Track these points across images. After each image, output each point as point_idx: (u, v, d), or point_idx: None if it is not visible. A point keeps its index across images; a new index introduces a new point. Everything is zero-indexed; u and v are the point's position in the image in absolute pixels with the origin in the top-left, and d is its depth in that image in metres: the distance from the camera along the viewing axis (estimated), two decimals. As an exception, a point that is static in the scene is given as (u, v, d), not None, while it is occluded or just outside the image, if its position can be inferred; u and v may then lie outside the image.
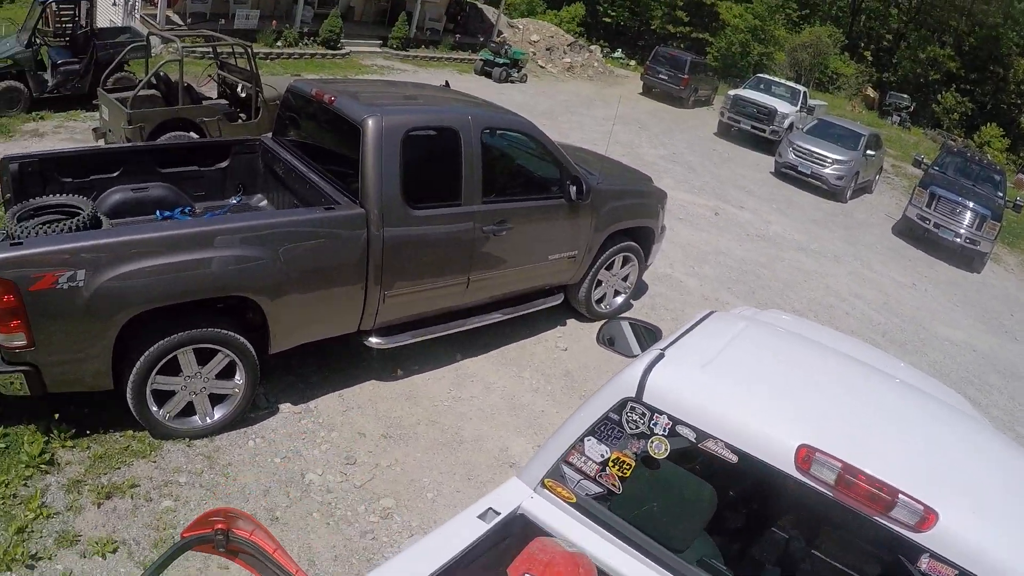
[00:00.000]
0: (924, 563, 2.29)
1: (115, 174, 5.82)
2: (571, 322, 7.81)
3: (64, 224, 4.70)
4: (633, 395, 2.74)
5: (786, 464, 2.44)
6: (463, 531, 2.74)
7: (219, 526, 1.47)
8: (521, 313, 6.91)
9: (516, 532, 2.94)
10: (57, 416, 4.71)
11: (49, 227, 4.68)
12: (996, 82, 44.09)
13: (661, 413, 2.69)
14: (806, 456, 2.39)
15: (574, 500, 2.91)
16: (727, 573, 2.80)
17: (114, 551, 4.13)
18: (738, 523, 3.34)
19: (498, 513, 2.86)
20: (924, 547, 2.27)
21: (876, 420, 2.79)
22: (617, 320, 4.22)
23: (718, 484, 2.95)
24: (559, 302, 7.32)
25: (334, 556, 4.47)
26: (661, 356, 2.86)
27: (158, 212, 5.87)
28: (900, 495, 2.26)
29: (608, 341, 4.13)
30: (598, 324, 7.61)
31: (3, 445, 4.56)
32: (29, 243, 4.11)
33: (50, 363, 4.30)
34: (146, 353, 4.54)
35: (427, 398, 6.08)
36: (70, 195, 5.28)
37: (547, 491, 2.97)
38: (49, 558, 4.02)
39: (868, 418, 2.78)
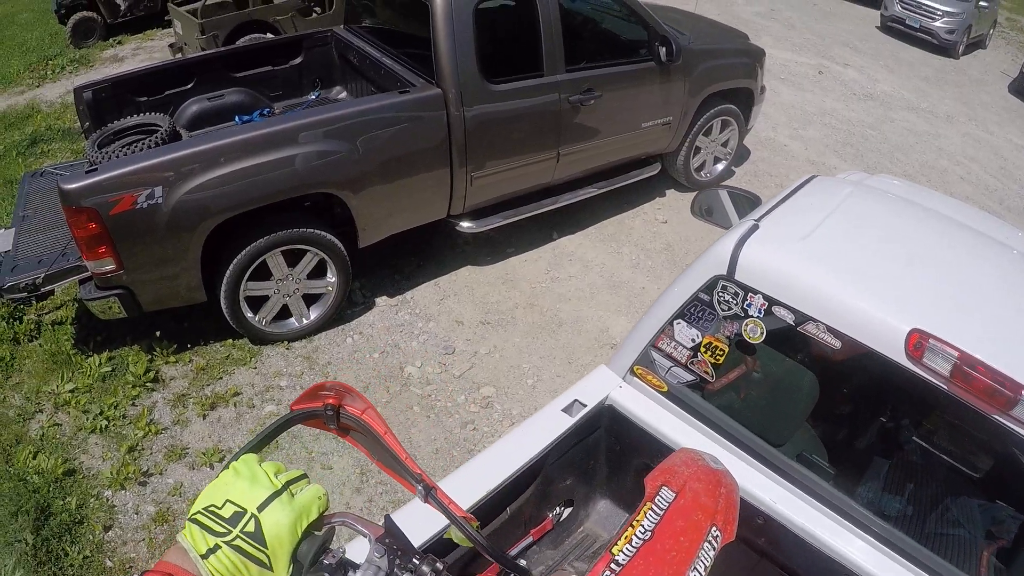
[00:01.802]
0: None
1: (189, 86, 5.71)
2: (670, 193, 7.45)
3: (143, 143, 4.61)
4: (724, 272, 2.43)
5: (895, 351, 2.12)
6: (547, 426, 2.55)
7: (329, 401, 1.41)
8: (616, 186, 6.60)
9: (605, 424, 2.75)
10: (159, 334, 4.77)
11: (129, 148, 4.60)
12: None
13: (756, 292, 2.38)
14: (918, 343, 2.06)
15: (666, 389, 2.67)
16: (829, 470, 2.54)
17: (221, 460, 4.18)
18: (842, 415, 3.03)
19: (584, 405, 2.65)
20: None
21: (996, 302, 2.41)
22: (713, 189, 3.84)
23: (820, 372, 2.64)
24: (656, 172, 6.96)
25: (435, 449, 4.41)
26: (755, 227, 2.51)
27: (237, 117, 5.76)
28: (1023, 391, 1.94)
29: (705, 212, 3.80)
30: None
31: (109, 368, 4.65)
32: (103, 168, 4.03)
33: (141, 283, 4.31)
34: (234, 261, 4.51)
35: (524, 280, 5.91)
36: (147, 113, 5.21)
37: (637, 379, 2.74)
38: (160, 473, 4.10)
39: (986, 299, 2.40)
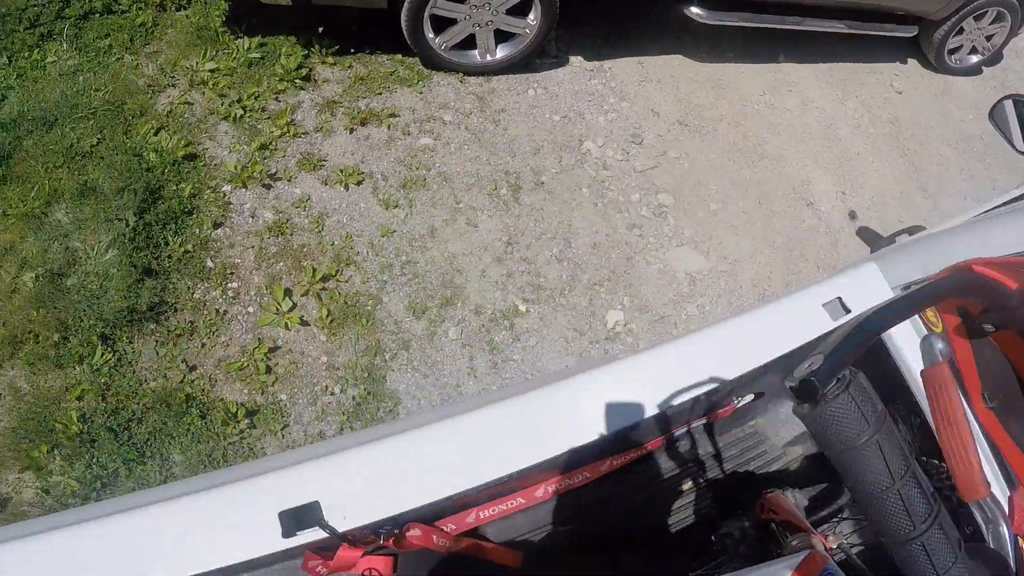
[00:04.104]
0: None
1: None
2: (912, 63, 6.44)
3: None
4: None
5: None
6: (803, 321, 1.87)
7: None
8: (865, 32, 5.64)
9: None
10: (321, 30, 4.18)
11: None
12: None
13: None
14: None
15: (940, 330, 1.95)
16: None
17: (358, 183, 3.75)
18: None
19: (847, 310, 1.95)
20: None
21: None
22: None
23: None
24: (911, 35, 5.97)
25: (593, 243, 3.89)
26: None
27: None
28: None
29: (997, 119, 3.20)
30: (940, 76, 6.40)
31: (258, 55, 4.12)
32: None
33: None
34: None
35: (737, 94, 5.15)
36: None
37: None
38: (289, 180, 3.68)
39: None
